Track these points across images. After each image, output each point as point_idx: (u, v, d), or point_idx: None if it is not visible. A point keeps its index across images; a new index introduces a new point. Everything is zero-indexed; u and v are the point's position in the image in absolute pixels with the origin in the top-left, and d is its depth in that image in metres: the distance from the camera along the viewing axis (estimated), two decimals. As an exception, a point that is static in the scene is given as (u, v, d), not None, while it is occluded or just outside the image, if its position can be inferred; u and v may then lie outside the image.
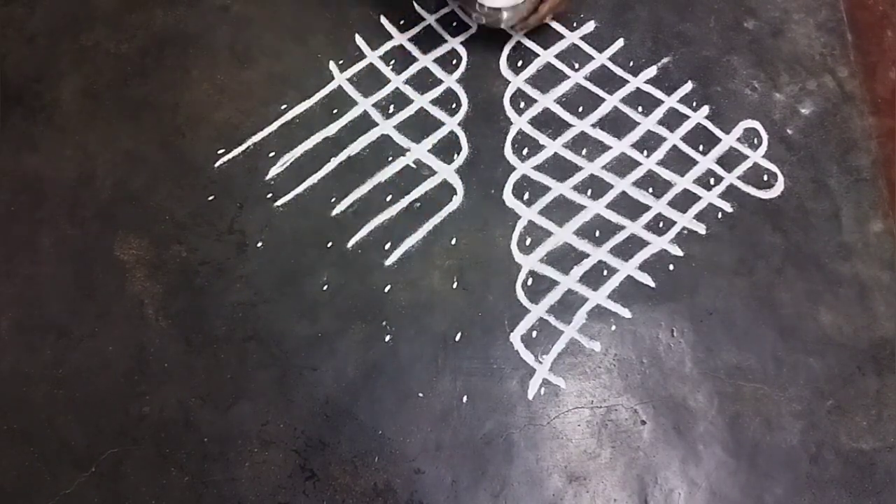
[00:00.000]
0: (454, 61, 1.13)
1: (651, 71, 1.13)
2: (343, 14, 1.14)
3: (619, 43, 1.15)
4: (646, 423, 0.93)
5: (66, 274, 1.00)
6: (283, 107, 1.09)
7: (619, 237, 1.02)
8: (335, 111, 1.09)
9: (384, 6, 1.15)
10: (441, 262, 1.00)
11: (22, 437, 0.92)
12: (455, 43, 1.14)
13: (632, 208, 1.04)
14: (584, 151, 1.07)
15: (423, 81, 1.11)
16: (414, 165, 1.06)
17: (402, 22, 1.15)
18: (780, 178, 1.07)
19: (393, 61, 1.13)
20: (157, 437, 0.92)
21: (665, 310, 0.99)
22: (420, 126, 1.08)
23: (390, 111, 1.09)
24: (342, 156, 1.06)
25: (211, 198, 1.04)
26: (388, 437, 0.92)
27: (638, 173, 1.06)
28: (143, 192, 1.04)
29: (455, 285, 0.99)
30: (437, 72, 1.12)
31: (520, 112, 1.10)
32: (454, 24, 1.15)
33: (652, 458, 0.92)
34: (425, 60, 1.12)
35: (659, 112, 1.10)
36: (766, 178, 1.07)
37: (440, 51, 1.13)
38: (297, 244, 1.01)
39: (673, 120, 1.10)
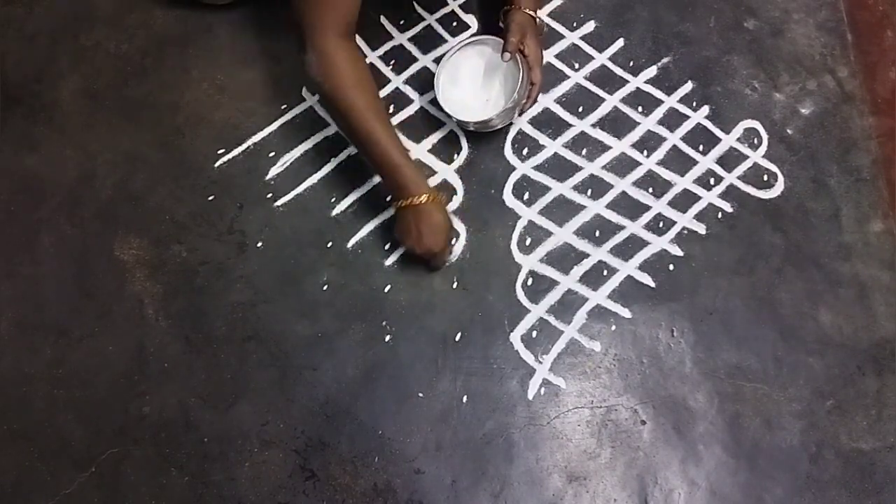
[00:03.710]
0: (454, 61, 1.13)
1: (651, 71, 1.13)
2: (343, 14, 1.14)
3: (619, 43, 1.15)
4: (646, 423, 0.93)
5: (66, 274, 1.00)
6: (283, 107, 1.09)
7: (619, 237, 1.02)
8: (335, 111, 1.09)
9: (384, 6, 1.15)
10: (441, 262, 1.00)
11: (22, 437, 0.92)
12: (456, 42, 1.13)
13: (632, 208, 1.04)
14: (584, 151, 1.07)
15: (423, 81, 1.11)
16: (414, 165, 1.06)
17: (402, 22, 1.15)
18: (780, 178, 1.07)
19: (393, 61, 1.13)
20: (157, 437, 0.92)
21: (665, 310, 0.99)
22: (420, 126, 1.08)
23: (390, 111, 1.09)
24: (342, 156, 1.06)
25: (211, 198, 1.04)
26: (388, 437, 0.92)
27: (638, 173, 1.06)
28: (143, 192, 1.04)
29: (455, 285, 0.99)
30: (437, 72, 1.12)
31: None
32: (454, 24, 1.15)
33: (652, 458, 0.92)
34: (425, 60, 1.12)
35: (659, 112, 1.10)
36: (766, 178, 1.07)
37: (440, 50, 1.12)
38: (297, 244, 1.01)
39: (673, 120, 1.10)
